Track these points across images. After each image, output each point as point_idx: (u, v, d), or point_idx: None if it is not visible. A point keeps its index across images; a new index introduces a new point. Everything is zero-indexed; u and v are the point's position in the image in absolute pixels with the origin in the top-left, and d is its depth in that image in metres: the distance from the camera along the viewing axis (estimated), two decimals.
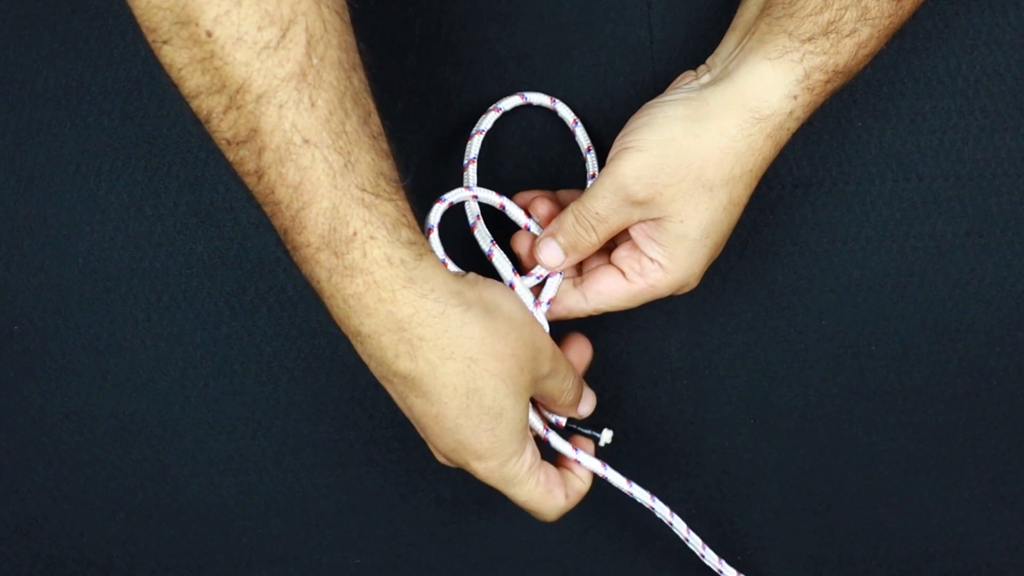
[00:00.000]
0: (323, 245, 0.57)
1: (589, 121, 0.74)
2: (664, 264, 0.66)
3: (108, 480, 0.79)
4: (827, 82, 0.63)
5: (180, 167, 0.74)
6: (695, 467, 0.79)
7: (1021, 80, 0.74)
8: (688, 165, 0.63)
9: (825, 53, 0.62)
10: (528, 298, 0.69)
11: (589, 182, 0.71)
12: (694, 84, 0.67)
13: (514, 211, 0.71)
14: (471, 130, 0.72)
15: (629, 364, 0.76)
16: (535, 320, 0.65)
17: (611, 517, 0.80)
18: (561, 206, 0.72)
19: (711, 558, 0.74)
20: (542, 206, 0.71)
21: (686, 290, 0.68)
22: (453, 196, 0.69)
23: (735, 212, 0.66)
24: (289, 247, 0.59)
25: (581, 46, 0.73)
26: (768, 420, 0.78)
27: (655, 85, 0.73)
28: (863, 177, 0.75)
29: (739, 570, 0.75)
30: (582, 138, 0.73)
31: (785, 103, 0.63)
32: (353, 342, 0.62)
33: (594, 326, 0.75)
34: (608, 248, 0.69)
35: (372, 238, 0.58)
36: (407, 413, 0.65)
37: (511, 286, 0.68)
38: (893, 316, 0.76)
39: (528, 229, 0.70)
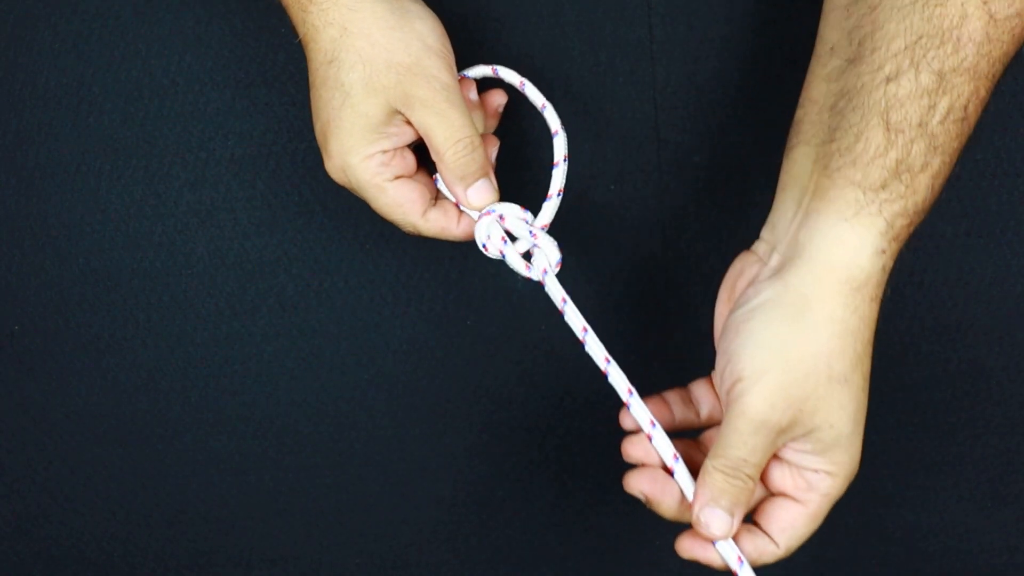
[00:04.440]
0: None
1: (589, 121, 0.74)
2: (831, 471, 0.59)
3: (108, 480, 0.79)
4: (910, 225, 0.58)
5: (180, 167, 0.74)
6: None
7: (1021, 80, 0.74)
8: (816, 369, 0.57)
9: (902, 197, 0.57)
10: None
11: (555, 169, 0.66)
12: (766, 272, 0.60)
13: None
14: None
15: (629, 364, 0.76)
16: (442, 52, 0.63)
17: (611, 517, 0.80)
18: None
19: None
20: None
21: (852, 478, 0.61)
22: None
23: (867, 384, 0.59)
24: None
25: (581, 46, 0.73)
26: None
27: (655, 85, 0.73)
28: None
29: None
30: (552, 120, 0.67)
31: (876, 261, 0.57)
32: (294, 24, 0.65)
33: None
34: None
35: None
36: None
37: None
38: (893, 316, 0.76)
39: (653, 425, 0.64)
